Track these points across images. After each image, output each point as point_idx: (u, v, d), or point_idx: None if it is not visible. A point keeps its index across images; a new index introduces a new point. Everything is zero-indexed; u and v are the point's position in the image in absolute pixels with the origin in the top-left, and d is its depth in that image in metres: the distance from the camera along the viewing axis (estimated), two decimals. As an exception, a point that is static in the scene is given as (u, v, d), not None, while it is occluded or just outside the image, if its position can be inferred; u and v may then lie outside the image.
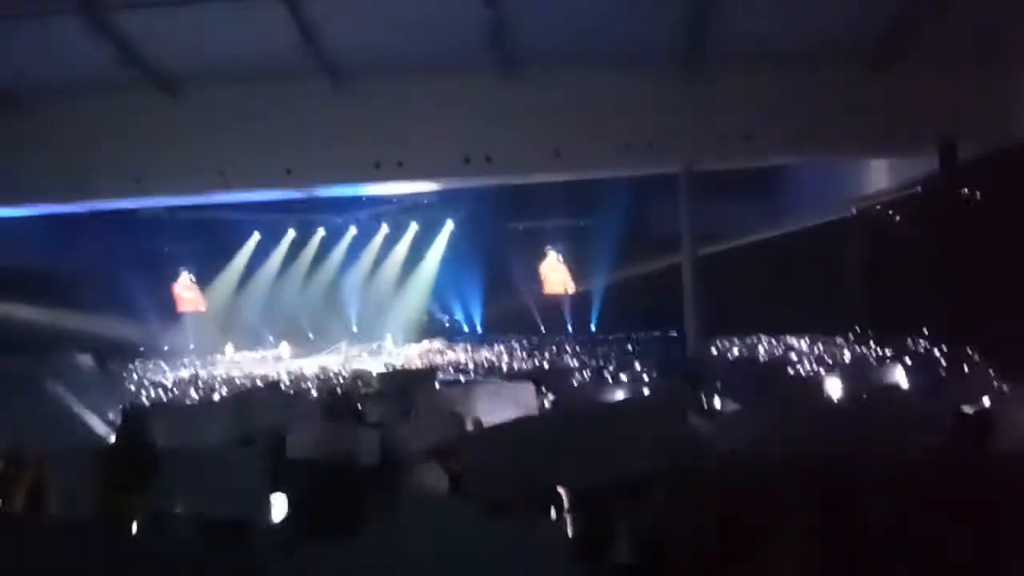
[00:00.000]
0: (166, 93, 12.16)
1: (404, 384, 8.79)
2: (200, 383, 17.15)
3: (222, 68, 11.58)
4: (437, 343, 20.82)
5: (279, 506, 3.17)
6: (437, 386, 8.86)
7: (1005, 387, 7.06)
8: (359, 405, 8.21)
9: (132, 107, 12.10)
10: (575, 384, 11.55)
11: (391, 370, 16.62)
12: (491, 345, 19.90)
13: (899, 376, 8.05)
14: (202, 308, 20.78)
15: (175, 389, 16.59)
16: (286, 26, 10.53)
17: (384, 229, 21.35)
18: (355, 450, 4.13)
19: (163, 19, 10.53)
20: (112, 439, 2.88)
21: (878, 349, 13.45)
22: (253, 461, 3.29)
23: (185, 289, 20.48)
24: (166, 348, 20.51)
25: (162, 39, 10.98)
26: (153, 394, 15.27)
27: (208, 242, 20.45)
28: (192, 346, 21.04)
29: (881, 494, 2.84)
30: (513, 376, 15.06)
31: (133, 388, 14.62)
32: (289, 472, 3.87)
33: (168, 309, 20.35)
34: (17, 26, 10.30)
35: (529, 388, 7.00)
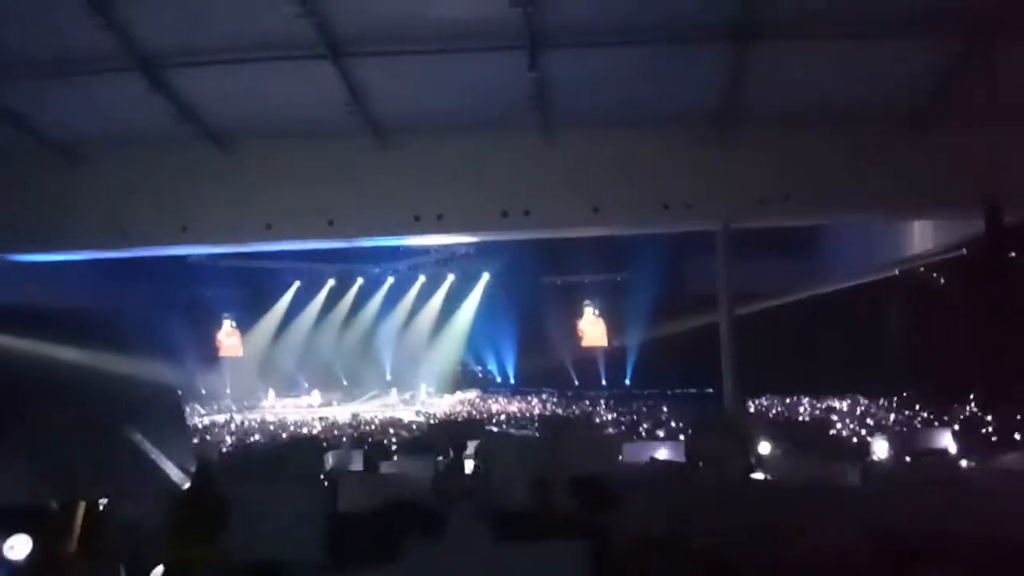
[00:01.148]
0: (217, 147, 12.55)
1: (455, 433, 8.83)
2: (234, 427, 17.34)
3: (271, 124, 11.96)
4: (471, 394, 20.80)
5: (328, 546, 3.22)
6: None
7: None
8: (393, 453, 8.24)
9: (183, 160, 12.52)
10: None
11: (437, 420, 16.65)
12: (525, 397, 19.81)
13: (947, 441, 7.83)
14: (240, 353, 21.08)
15: (208, 434, 16.80)
16: (334, 85, 10.86)
17: (421, 279, 21.58)
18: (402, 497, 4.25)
19: (216, 77, 10.92)
20: (186, 486, 2.94)
21: (922, 412, 13.10)
22: (315, 503, 3.36)
23: (226, 335, 20.83)
24: (203, 392, 20.79)
25: (215, 96, 11.39)
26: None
27: (250, 289, 20.84)
28: (229, 390, 21.30)
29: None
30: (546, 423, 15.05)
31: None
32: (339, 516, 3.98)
33: (208, 353, 20.65)
34: (76, 83, 10.77)
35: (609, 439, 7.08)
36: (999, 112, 10.82)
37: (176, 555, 2.73)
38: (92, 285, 17.38)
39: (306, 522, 3.09)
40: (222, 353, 21.02)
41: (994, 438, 9.89)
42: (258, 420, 18.44)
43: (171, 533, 2.77)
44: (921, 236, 14.58)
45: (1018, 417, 10.47)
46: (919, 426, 11.67)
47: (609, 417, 16.13)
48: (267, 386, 21.40)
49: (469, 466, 7.13)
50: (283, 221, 12.95)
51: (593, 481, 3.76)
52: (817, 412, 15.19)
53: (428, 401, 20.25)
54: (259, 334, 21.39)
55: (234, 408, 20.31)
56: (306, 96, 11.23)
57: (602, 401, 18.39)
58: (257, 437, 14.98)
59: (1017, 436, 9.90)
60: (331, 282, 21.59)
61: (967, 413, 12.28)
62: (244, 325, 21.07)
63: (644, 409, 17.50)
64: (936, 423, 11.76)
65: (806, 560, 2.90)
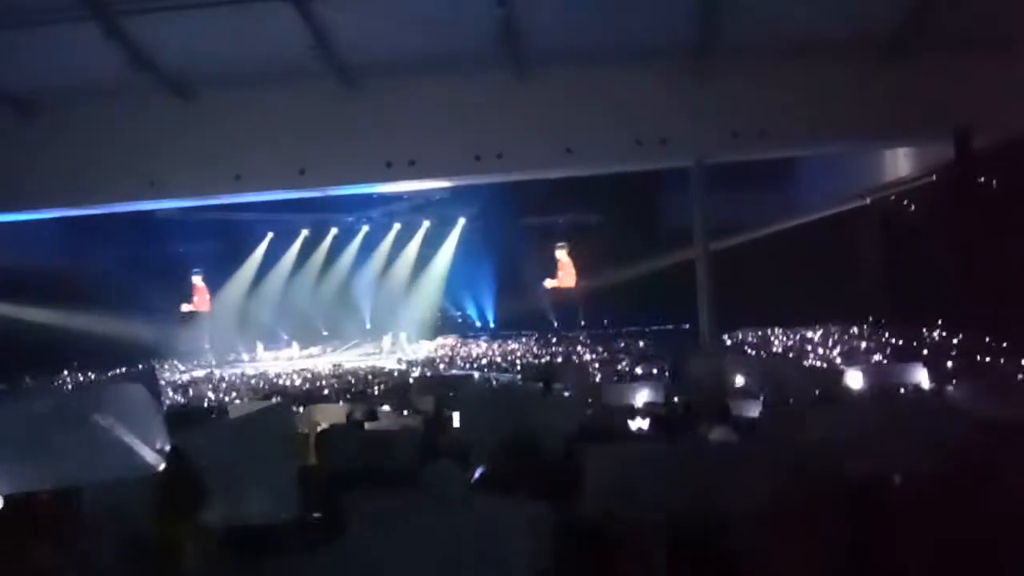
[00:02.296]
0: (179, 97, 12.24)
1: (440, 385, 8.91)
2: (212, 383, 17.37)
3: (234, 71, 11.66)
4: (451, 339, 20.91)
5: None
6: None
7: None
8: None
9: (146, 111, 12.21)
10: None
11: (418, 366, 16.78)
12: (505, 341, 19.97)
13: (920, 375, 7.96)
14: (208, 309, 20.88)
15: (191, 388, 16.80)
16: (298, 29, 10.59)
17: (396, 227, 21.43)
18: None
19: (174, 24, 10.61)
20: (162, 468, 2.96)
21: (893, 340, 13.43)
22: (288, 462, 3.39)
23: (199, 289, 20.63)
24: (181, 348, 20.69)
25: (174, 44, 11.07)
26: (170, 393, 15.48)
27: (222, 242, 20.58)
28: (207, 346, 21.21)
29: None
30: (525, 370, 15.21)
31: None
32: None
33: (183, 309, 20.48)
34: (30, 33, 10.40)
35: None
36: (968, 39, 10.84)
37: (161, 535, 2.77)
38: (61, 244, 17.07)
39: (281, 482, 3.12)
40: (196, 308, 20.85)
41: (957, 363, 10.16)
42: (239, 375, 18.45)
43: (153, 515, 2.80)
44: (892, 165, 14.72)
45: (986, 340, 10.77)
46: (889, 357, 11.93)
47: (588, 357, 16.36)
48: (245, 340, 21.36)
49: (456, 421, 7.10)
50: (252, 172, 12.75)
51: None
52: (791, 343, 15.54)
53: (409, 348, 20.35)
54: (235, 287, 21.23)
55: (214, 363, 20.29)
56: (269, 40, 10.95)
57: (580, 340, 18.63)
58: (235, 395, 15.02)
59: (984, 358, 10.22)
60: (305, 232, 21.38)
61: (936, 339, 12.61)
62: (219, 279, 20.87)
63: (623, 345, 17.77)
64: (905, 350, 12.06)
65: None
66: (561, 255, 19.33)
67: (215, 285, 20.87)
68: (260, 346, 21.11)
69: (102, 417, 2.94)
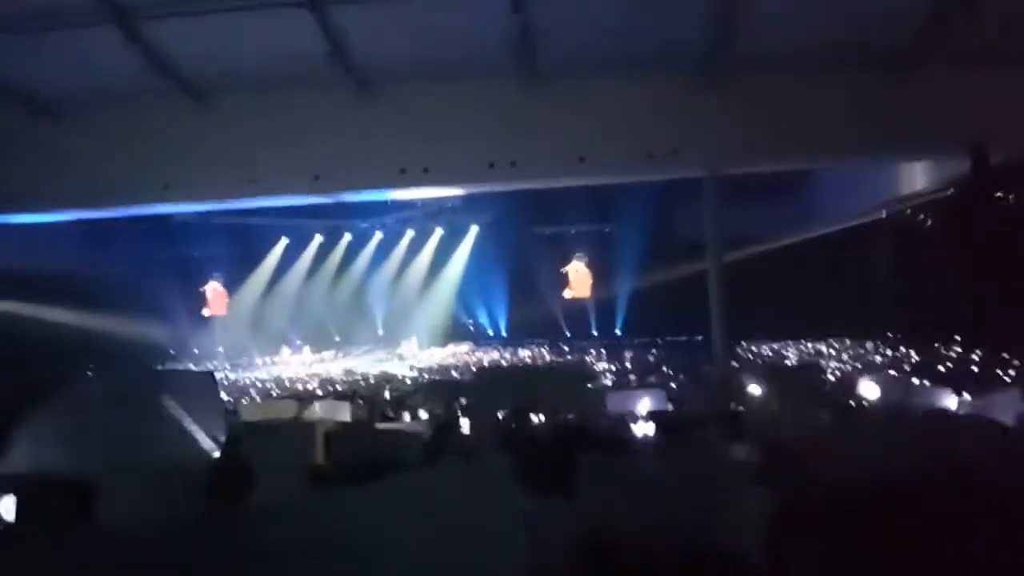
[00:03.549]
0: (195, 101, 12.34)
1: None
2: (226, 384, 17.46)
3: (251, 76, 11.74)
4: (463, 347, 20.91)
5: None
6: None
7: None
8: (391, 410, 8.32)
9: (162, 115, 12.31)
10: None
11: (430, 375, 16.80)
12: (516, 348, 19.95)
13: (946, 399, 7.82)
14: (224, 312, 21.00)
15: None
16: (314, 35, 10.65)
17: (410, 234, 21.49)
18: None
19: (192, 28, 10.70)
20: (216, 455, 3.23)
21: (910, 355, 13.27)
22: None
23: (214, 293, 20.74)
24: (196, 351, 20.81)
25: (191, 48, 11.16)
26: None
27: (237, 247, 20.72)
28: (221, 349, 21.32)
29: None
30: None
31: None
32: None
33: (198, 312, 20.61)
34: (50, 37, 10.53)
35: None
36: (983, 52, 10.71)
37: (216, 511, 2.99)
38: (78, 247, 17.24)
39: (292, 470, 3.34)
40: (210, 311, 20.98)
41: (980, 379, 10.02)
42: (252, 378, 18.54)
43: (209, 493, 3.02)
44: (909, 179, 14.57)
45: (1003, 355, 10.61)
46: (906, 373, 11.76)
47: (601, 367, 16.30)
48: (259, 344, 21.47)
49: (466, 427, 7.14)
50: (267, 176, 12.81)
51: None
52: (805, 356, 15.41)
53: (420, 355, 20.37)
54: (248, 291, 21.36)
55: (227, 367, 20.39)
56: (285, 46, 11.01)
57: (592, 350, 18.57)
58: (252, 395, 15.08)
59: (1003, 375, 10.06)
60: (319, 238, 21.49)
61: (954, 354, 12.44)
62: (233, 283, 21.02)
63: (632, 355, 17.69)
64: (922, 366, 11.89)
65: None
66: (577, 265, 19.24)
67: (230, 289, 21.01)
68: (286, 349, 21.19)
69: (173, 404, 3.22)
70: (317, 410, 7.07)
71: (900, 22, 10.65)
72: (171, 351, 20.17)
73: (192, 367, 19.84)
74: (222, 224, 18.98)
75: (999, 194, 11.90)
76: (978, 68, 10.96)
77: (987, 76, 10.99)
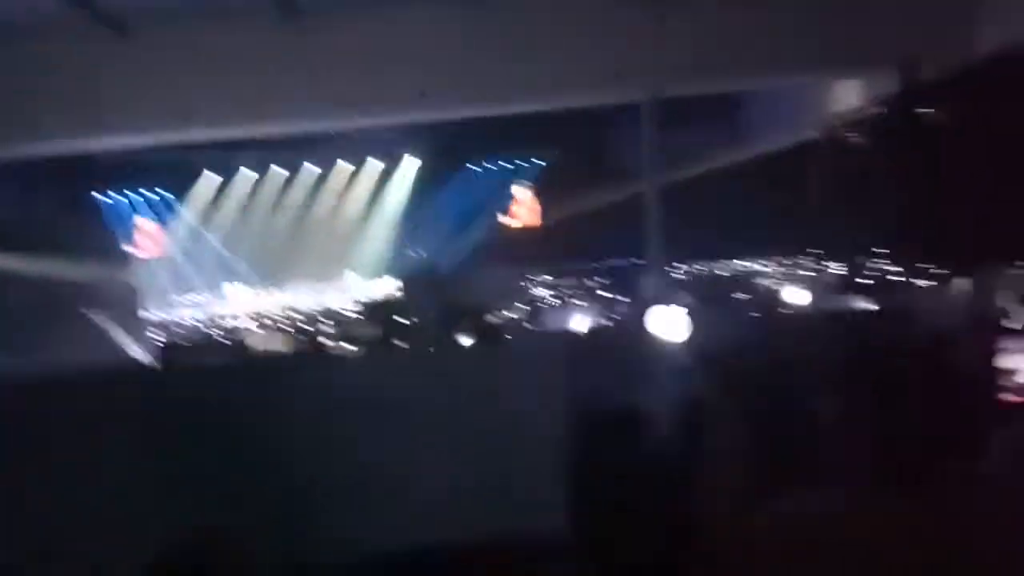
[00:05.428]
0: (116, 33, 11.66)
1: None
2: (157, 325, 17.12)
3: (172, 5, 11.12)
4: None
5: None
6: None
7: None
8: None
9: (82, 50, 11.63)
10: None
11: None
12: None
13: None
14: (160, 252, 20.38)
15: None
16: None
17: (346, 166, 21.01)
18: None
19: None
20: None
21: (837, 269, 13.91)
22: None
23: (144, 233, 20.04)
24: (134, 293, 20.16)
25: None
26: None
27: (167, 184, 19.96)
28: (151, 289, 20.73)
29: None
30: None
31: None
32: None
33: (127, 252, 19.92)
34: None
35: None
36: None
37: None
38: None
39: None
40: (142, 252, 20.28)
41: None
42: (184, 319, 18.22)
43: None
44: (843, 97, 14.90)
45: (922, 267, 11.23)
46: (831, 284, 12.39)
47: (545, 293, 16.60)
48: (191, 283, 20.95)
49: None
50: (195, 110, 12.29)
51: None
52: (740, 272, 16.07)
53: (363, 286, 20.26)
54: (178, 230, 20.68)
55: (160, 306, 19.88)
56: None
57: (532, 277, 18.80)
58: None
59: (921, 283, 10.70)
60: (250, 172, 20.81)
61: (878, 270, 13.10)
62: (163, 222, 20.29)
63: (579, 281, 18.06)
64: (845, 278, 12.53)
65: None
66: (523, 193, 19.24)
67: (158, 228, 20.31)
68: (224, 287, 20.73)
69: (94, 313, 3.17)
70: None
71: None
72: (98, 293, 19.49)
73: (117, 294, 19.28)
74: (149, 161, 18.17)
75: (924, 110, 12.32)
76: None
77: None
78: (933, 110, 12.10)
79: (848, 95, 14.86)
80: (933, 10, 11.33)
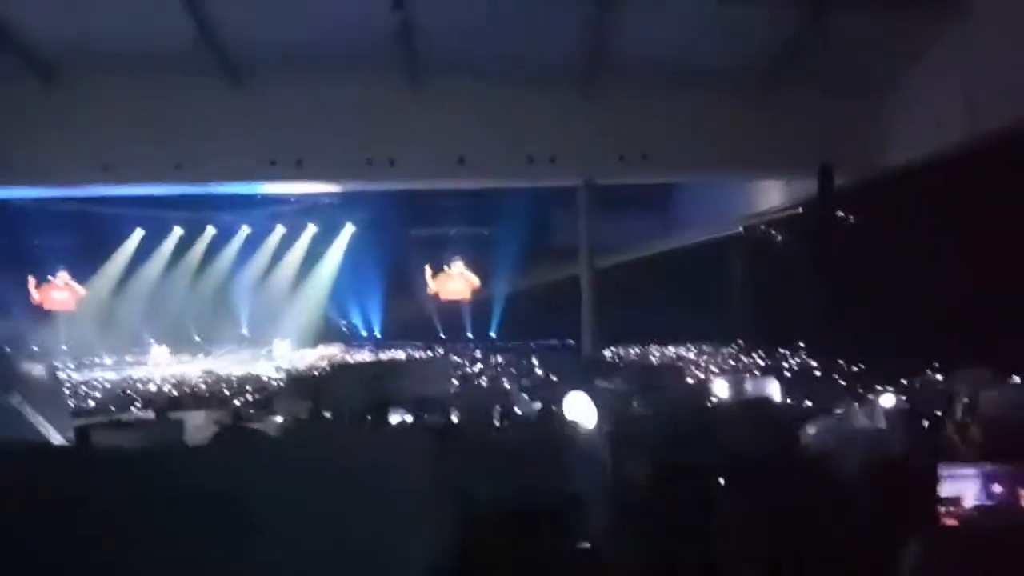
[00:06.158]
0: (43, 80, 11.37)
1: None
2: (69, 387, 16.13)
3: (107, 55, 10.91)
4: (335, 348, 20.37)
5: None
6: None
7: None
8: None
9: (6, 93, 11.26)
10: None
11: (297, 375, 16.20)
12: (390, 350, 19.64)
13: (773, 388, 8.45)
14: (72, 307, 19.39)
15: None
16: (179, 13, 10.06)
17: (280, 230, 20.67)
18: None
19: (41, 1, 9.85)
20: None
21: (760, 361, 14.19)
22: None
23: (57, 287, 19.11)
24: (35, 348, 19.08)
25: (38, 21, 10.26)
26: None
27: (85, 237, 19.17)
28: (65, 347, 19.68)
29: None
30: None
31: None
32: None
33: (39, 307, 18.92)
34: None
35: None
36: (835, 81, 11.62)
37: None
38: None
39: None
40: (51, 306, 19.29)
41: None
42: (99, 379, 17.24)
43: None
44: (765, 195, 15.57)
45: (839, 362, 11.52)
46: (753, 374, 12.58)
47: (475, 369, 16.35)
48: (108, 342, 19.98)
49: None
50: (123, 163, 11.98)
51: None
52: (666, 359, 16.19)
53: (289, 356, 19.65)
54: (97, 286, 19.81)
55: (72, 366, 18.84)
56: (147, 24, 10.33)
57: (468, 352, 18.58)
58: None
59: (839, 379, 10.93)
60: (179, 231, 20.25)
61: (798, 362, 13.41)
62: (81, 277, 19.42)
63: (505, 359, 17.86)
64: (769, 370, 12.75)
65: None
66: (455, 267, 19.12)
67: (77, 282, 19.43)
68: (142, 349, 19.78)
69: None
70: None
71: (763, 47, 11.35)
72: (6, 348, 18.37)
73: (33, 365, 18.23)
74: (69, 211, 17.52)
75: (841, 213, 12.92)
76: (829, 95, 11.88)
77: (837, 102, 11.94)
78: (846, 213, 12.74)
79: (770, 195, 15.56)
80: (848, 122, 12.00)
